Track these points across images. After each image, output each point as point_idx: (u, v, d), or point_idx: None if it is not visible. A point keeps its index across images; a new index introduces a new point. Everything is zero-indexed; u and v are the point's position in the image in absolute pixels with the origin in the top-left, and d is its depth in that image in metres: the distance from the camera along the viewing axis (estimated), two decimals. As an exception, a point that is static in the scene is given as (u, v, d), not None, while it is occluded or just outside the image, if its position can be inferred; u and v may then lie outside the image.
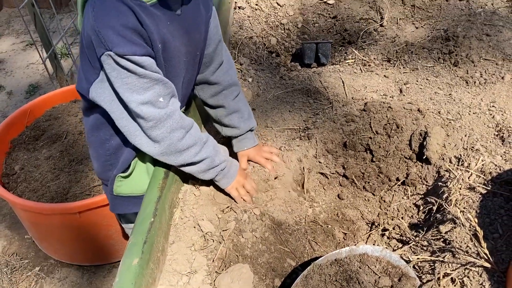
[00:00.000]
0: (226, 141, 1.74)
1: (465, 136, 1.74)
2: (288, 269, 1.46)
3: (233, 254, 1.39)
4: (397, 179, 1.76)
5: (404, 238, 1.55)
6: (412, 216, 1.64)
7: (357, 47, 2.46)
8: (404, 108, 1.85)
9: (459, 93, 1.98)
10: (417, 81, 2.09)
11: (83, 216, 1.97)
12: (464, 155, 1.66)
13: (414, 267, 1.37)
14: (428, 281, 1.30)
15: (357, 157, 1.81)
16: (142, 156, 1.44)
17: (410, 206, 1.67)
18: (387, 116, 1.82)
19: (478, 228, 1.32)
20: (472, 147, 1.69)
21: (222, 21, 2.22)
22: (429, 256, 1.37)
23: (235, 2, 2.67)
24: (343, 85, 2.12)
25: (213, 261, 1.36)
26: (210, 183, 1.52)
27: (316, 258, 1.35)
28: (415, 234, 1.53)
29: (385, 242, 1.59)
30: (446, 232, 1.41)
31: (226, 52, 1.57)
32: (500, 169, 1.56)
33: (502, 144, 1.69)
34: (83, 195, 2.08)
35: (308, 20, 2.77)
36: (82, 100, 1.39)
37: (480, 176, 1.57)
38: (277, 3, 2.83)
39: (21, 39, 3.87)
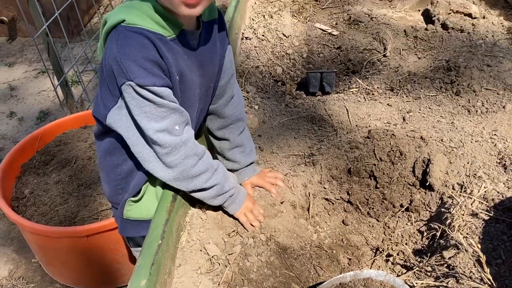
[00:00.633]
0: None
1: (468, 163, 1.77)
2: (293, 293, 1.47)
3: (239, 278, 1.41)
4: (401, 205, 1.78)
5: (408, 264, 1.56)
6: (416, 242, 1.65)
7: (361, 77, 2.52)
8: (407, 135, 1.88)
9: (461, 122, 2.02)
10: (419, 109, 2.14)
11: (90, 239, 2.00)
12: (466, 182, 1.69)
13: (418, 292, 1.38)
14: (432, 306, 1.31)
15: (361, 183, 1.84)
16: (152, 181, 1.47)
17: (414, 232, 1.69)
18: (390, 144, 1.85)
19: (481, 254, 1.34)
20: (475, 174, 1.72)
21: (230, 51, 2.28)
22: (433, 281, 1.38)
23: (242, 33, 2.75)
24: (347, 113, 2.17)
25: (218, 284, 1.38)
26: (216, 207, 1.55)
27: (321, 283, 1.36)
28: (419, 259, 1.54)
29: (390, 268, 1.60)
30: (449, 258, 1.42)
31: (237, 87, 1.64)
32: (502, 196, 1.58)
33: (505, 171, 1.72)
34: (91, 219, 2.11)
35: (313, 50, 2.85)
36: (96, 125, 1.44)
37: (482, 203, 1.59)
38: (283, 33, 2.91)
39: (34, 67, 3.97)
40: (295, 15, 3.07)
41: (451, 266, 1.39)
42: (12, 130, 3.37)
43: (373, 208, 1.82)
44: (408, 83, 2.32)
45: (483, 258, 1.32)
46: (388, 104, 2.21)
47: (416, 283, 1.40)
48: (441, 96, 2.20)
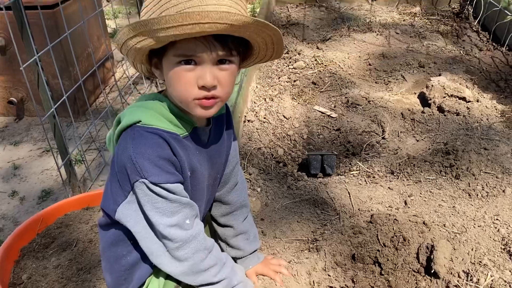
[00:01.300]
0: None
1: (472, 250, 1.76)
2: None
3: None
4: (407, 294, 1.75)
5: None
6: (424, 334, 1.60)
7: (361, 159, 2.57)
8: (410, 220, 1.89)
9: (463, 206, 2.03)
10: (420, 193, 2.16)
11: (87, 328, 1.93)
12: (472, 270, 1.67)
13: None
14: None
15: (366, 270, 1.81)
16: (157, 273, 1.46)
17: (422, 323, 1.64)
18: (393, 229, 1.85)
19: None
20: (480, 261, 1.70)
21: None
22: None
23: (245, 116, 2.84)
24: (349, 196, 2.18)
25: None
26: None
27: None
28: None
29: None
30: None
31: (241, 173, 1.67)
32: (510, 286, 1.56)
33: (510, 258, 1.71)
34: (89, 306, 2.05)
35: (313, 131, 2.92)
36: (103, 216, 1.45)
37: (490, 293, 1.57)
38: (283, 115, 3.00)
39: (38, 146, 4.03)
40: (295, 98, 3.18)
41: None
42: (12, 210, 3.36)
43: (378, 296, 1.78)
44: (408, 167, 2.36)
45: None
46: (389, 188, 2.23)
47: None
48: (441, 179, 2.23)
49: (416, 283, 1.75)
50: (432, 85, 3.03)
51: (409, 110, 2.94)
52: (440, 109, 2.89)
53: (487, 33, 4.22)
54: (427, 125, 2.79)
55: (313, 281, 1.74)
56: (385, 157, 2.52)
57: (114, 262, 1.45)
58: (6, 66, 4.02)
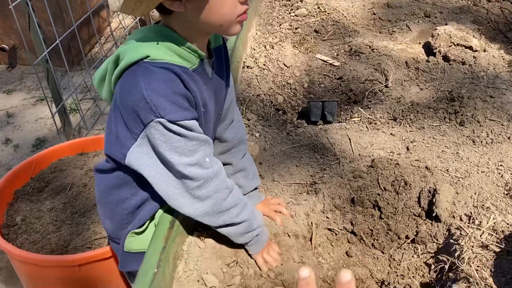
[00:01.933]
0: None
1: (475, 194, 1.72)
2: (295, 328, 1.39)
3: (238, 311, 1.33)
4: (407, 237, 1.72)
5: (416, 298, 1.48)
6: (423, 275, 1.58)
7: (362, 106, 2.50)
8: (412, 165, 1.84)
9: (467, 152, 1.98)
10: (423, 139, 2.10)
11: (82, 269, 1.91)
12: (474, 213, 1.63)
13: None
14: None
15: (365, 213, 1.78)
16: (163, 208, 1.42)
17: (421, 265, 1.62)
18: (394, 173, 1.80)
19: (494, 287, 1.27)
20: (483, 205, 1.66)
21: (231, 78, 2.27)
22: (443, 317, 1.31)
23: (244, 62, 2.75)
24: (350, 142, 2.13)
25: (217, 317, 1.30)
26: (216, 235, 1.48)
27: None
28: (428, 293, 1.47)
29: (396, 302, 1.52)
30: (460, 292, 1.35)
31: (237, 110, 1.61)
32: (512, 228, 1.53)
33: (513, 203, 1.67)
34: (84, 247, 2.03)
35: (314, 80, 2.84)
36: (104, 162, 1.39)
37: (492, 235, 1.53)
38: (284, 64, 2.91)
39: (32, 95, 3.96)
40: (296, 46, 3.08)
41: (463, 301, 1.32)
42: (7, 157, 3.32)
43: (377, 240, 1.75)
44: (411, 113, 2.29)
45: (496, 292, 1.26)
46: (391, 134, 2.17)
47: (426, 318, 1.32)
48: (445, 126, 2.17)
49: (416, 226, 1.72)
50: (438, 34, 2.92)
51: (413, 59, 2.84)
52: (446, 58, 2.79)
53: (496, -16, 4.06)
54: (432, 74, 2.71)
55: (312, 222, 1.70)
56: (387, 104, 2.45)
57: (116, 206, 1.40)
58: (-4, 11, 3.87)
